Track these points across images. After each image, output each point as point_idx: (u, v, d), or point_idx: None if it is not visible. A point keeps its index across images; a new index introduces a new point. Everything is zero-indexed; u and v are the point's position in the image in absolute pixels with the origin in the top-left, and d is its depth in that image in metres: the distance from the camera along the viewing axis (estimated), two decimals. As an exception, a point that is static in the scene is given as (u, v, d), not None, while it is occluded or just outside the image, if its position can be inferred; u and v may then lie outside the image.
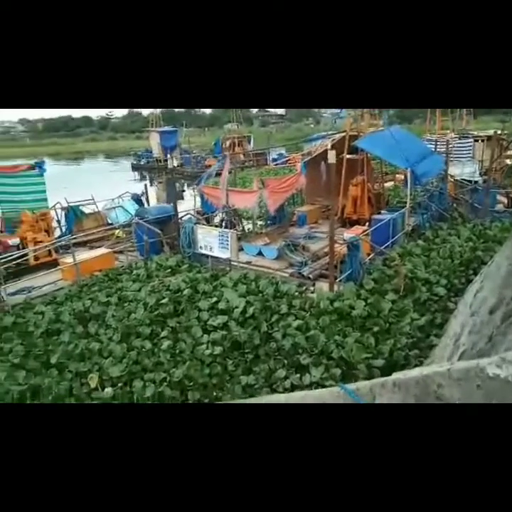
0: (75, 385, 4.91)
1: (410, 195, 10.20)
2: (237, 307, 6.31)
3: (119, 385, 4.87)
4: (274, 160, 26.15)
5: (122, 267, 9.05)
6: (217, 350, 5.40)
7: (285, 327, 5.81)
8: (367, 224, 9.55)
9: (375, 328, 5.54)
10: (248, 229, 12.15)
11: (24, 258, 8.44)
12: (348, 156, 10.76)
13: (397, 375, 2.72)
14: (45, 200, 9.72)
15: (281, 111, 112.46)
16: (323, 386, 4.53)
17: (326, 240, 10.02)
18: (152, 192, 20.66)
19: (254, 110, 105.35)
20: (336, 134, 12.39)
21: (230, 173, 10.18)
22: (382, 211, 10.12)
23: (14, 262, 7.98)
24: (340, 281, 7.13)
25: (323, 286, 7.37)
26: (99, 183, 22.26)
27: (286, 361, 5.12)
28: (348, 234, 7.98)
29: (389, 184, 15.92)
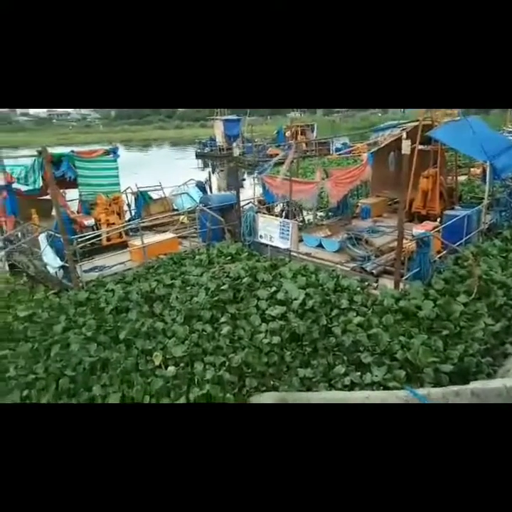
0: (140, 361, 5.18)
1: (488, 190, 9.41)
2: (296, 299, 6.25)
3: (181, 365, 5.06)
4: (338, 150, 25.44)
5: (185, 251, 9.35)
6: (275, 340, 5.40)
7: (345, 323, 5.67)
8: (438, 220, 8.98)
9: (444, 332, 5.22)
10: (308, 220, 11.98)
11: (98, 238, 9.03)
12: (419, 147, 10.14)
13: (475, 385, 2.54)
14: (118, 184, 10.27)
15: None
16: (386, 387, 4.36)
17: (391, 234, 9.61)
18: (214, 180, 21.06)
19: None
20: (407, 123, 11.71)
21: (291, 162, 10.05)
22: (456, 207, 9.45)
23: (89, 242, 8.56)
24: (406, 279, 6.79)
25: (387, 283, 7.07)
26: (165, 170, 23.13)
27: (345, 358, 5.00)
28: (418, 229, 7.55)
29: (462, 178, 14.81)
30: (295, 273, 7.26)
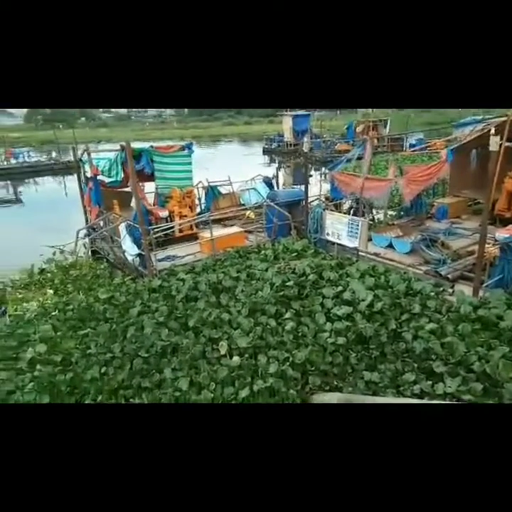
0: (207, 349, 5.38)
1: None
2: (363, 300, 6.07)
3: (246, 355, 5.17)
4: (412, 146, 24.17)
5: (251, 246, 9.50)
6: (341, 340, 5.30)
7: (417, 329, 5.40)
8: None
9: (529, 346, 4.77)
10: (378, 219, 11.56)
11: (171, 230, 9.50)
12: (506, 144, 9.27)
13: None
14: (191, 178, 10.70)
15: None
16: (459, 399, 4.09)
17: (470, 237, 8.95)
18: (280, 176, 21.12)
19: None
20: (494, 118, 10.77)
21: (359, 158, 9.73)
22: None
23: (163, 233, 9.04)
24: (487, 286, 6.29)
25: (465, 289, 6.60)
26: (233, 166, 23.63)
27: (416, 365, 4.77)
28: (502, 233, 6.94)
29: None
30: (363, 273, 7.06)
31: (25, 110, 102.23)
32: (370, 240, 9.00)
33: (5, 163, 30.32)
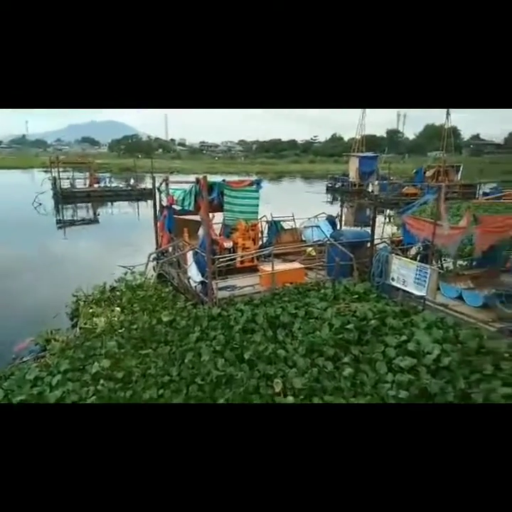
0: (261, 385, 5.33)
1: None
2: (429, 353, 5.72)
3: (301, 397, 5.04)
4: (486, 194, 23.04)
5: (310, 283, 9.44)
6: (403, 394, 5.00)
7: (488, 391, 4.95)
8: None
9: None
10: (446, 267, 10.99)
11: (233, 260, 9.77)
12: None
13: None
14: (257, 212, 11.04)
15: (498, 140, 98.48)
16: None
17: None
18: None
19: (466, 138, 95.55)
20: None
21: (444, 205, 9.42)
22: None
23: (226, 263, 9.31)
24: None
25: (545, 354, 5.97)
26: (294, 202, 24.01)
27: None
28: None
29: None
30: (430, 324, 6.67)
31: (109, 140, 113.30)
32: (438, 289, 8.55)
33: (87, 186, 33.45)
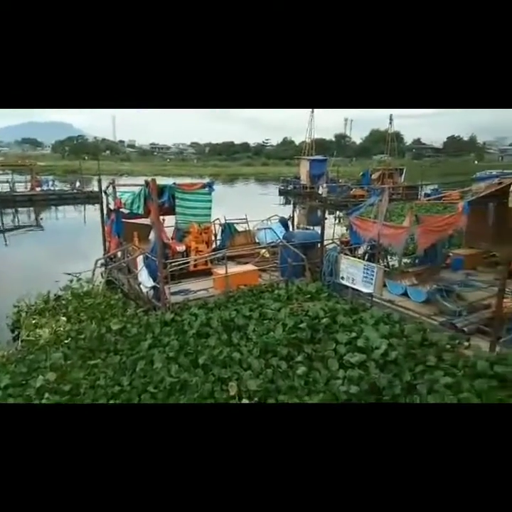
0: (216, 389, 5.28)
1: None
2: (377, 348, 5.96)
3: (256, 399, 5.05)
4: (427, 195, 24.52)
5: (265, 284, 9.51)
6: (353, 389, 5.16)
7: (432, 382, 5.24)
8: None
9: (550, 408, 4.56)
10: (392, 265, 11.53)
11: (187, 264, 9.61)
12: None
13: None
14: (210, 215, 10.96)
15: (437, 144, 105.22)
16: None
17: (486, 290, 8.83)
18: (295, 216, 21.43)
19: (408, 142, 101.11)
20: None
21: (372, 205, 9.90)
22: None
23: (179, 267, 9.14)
24: (504, 341, 6.15)
25: (481, 343, 6.45)
26: (247, 204, 24.13)
27: (431, 420, 4.59)
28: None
29: None
30: (377, 320, 6.97)
31: (53, 141, 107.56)
32: (384, 286, 8.94)
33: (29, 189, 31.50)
